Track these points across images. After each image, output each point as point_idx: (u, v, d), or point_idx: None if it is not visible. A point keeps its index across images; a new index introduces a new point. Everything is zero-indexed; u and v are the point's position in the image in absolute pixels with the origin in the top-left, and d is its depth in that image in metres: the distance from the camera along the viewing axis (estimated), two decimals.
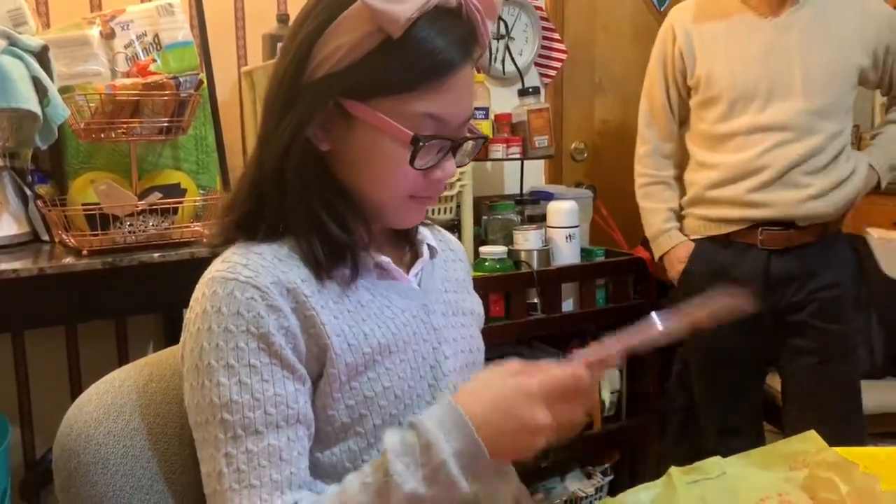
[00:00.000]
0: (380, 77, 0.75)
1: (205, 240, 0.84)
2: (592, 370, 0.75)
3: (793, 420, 1.84)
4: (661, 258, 1.95)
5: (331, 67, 0.76)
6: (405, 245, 0.92)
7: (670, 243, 1.92)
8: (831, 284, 1.76)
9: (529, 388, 0.71)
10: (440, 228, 1.00)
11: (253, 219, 0.81)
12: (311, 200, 0.79)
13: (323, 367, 0.77)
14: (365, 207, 0.82)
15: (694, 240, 1.89)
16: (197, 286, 0.79)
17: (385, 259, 0.83)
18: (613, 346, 0.77)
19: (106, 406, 0.85)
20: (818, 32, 1.73)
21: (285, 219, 0.80)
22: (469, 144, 0.84)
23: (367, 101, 0.76)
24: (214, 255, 0.82)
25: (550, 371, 0.73)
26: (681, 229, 1.92)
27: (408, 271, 0.88)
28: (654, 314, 0.80)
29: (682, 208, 1.94)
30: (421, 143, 0.77)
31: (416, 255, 0.91)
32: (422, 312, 0.85)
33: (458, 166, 0.84)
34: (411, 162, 0.77)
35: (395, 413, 0.80)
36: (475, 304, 0.98)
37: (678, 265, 1.89)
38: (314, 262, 0.78)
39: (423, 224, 0.95)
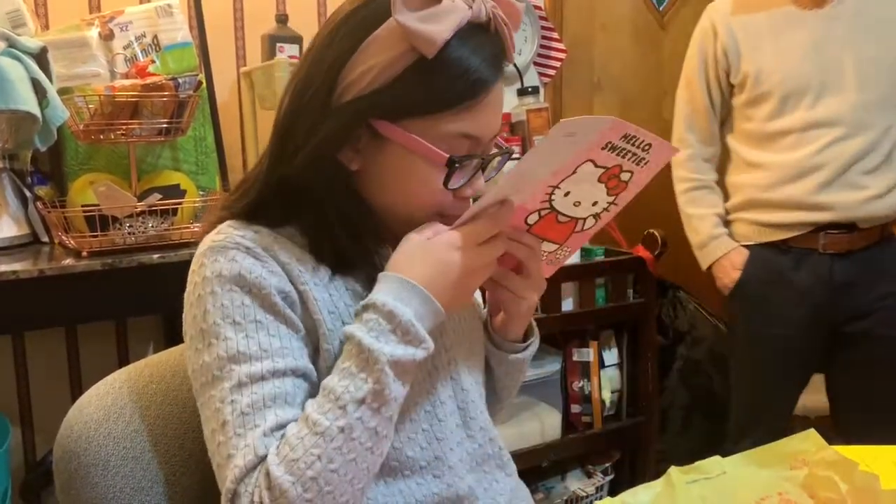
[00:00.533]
0: (414, 98, 0.75)
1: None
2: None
3: (854, 429, 1.77)
4: (710, 266, 1.86)
5: (362, 89, 0.76)
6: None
7: (722, 250, 1.82)
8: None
9: (456, 240, 0.76)
10: None
11: (258, 205, 0.82)
12: (331, 222, 0.80)
13: (317, 343, 0.77)
14: (391, 223, 0.82)
15: (746, 246, 1.80)
16: (193, 259, 0.80)
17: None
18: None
19: (106, 408, 0.85)
20: (866, 23, 1.68)
21: (294, 212, 0.81)
22: (496, 159, 0.85)
23: (399, 122, 0.76)
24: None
25: (474, 210, 0.78)
26: (729, 235, 1.84)
27: None
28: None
29: (726, 213, 1.86)
30: (457, 165, 0.77)
31: None
32: None
33: (486, 180, 0.84)
34: (446, 183, 0.78)
35: None
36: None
37: (733, 273, 1.80)
38: (317, 254, 0.80)
39: None
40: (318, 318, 0.77)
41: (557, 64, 2.52)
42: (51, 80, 1.49)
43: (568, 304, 2.04)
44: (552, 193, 0.79)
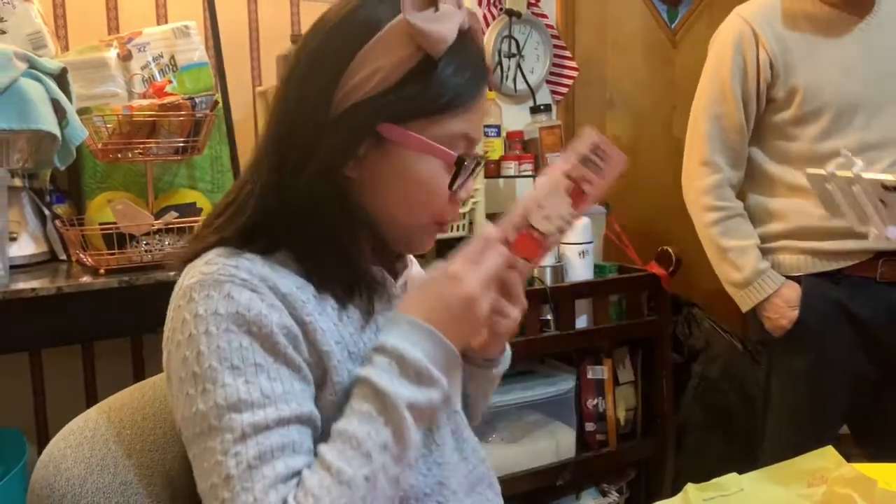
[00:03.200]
0: (423, 99, 0.74)
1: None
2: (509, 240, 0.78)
3: None
4: (755, 306, 1.65)
5: (367, 92, 0.74)
6: (391, 257, 0.91)
7: (772, 286, 1.63)
8: None
9: (452, 272, 0.74)
10: None
11: (251, 230, 0.77)
12: (337, 233, 0.77)
13: (325, 376, 0.74)
14: (388, 235, 0.81)
15: (792, 278, 1.63)
16: (176, 294, 0.74)
17: (384, 275, 0.83)
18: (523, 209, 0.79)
19: (86, 461, 0.80)
20: None
21: (293, 238, 0.77)
22: (479, 167, 0.85)
23: (405, 124, 0.75)
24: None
25: (463, 250, 0.76)
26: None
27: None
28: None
29: (762, 241, 1.68)
30: (465, 163, 0.77)
31: (393, 266, 0.91)
32: None
33: None
34: (451, 184, 0.78)
35: None
36: None
37: (790, 312, 1.61)
38: (318, 281, 0.76)
39: None
40: (326, 350, 0.73)
41: (570, 82, 2.54)
42: (70, 100, 1.52)
43: (582, 322, 2.04)
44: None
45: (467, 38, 0.78)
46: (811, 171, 1.03)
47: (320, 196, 0.75)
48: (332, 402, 0.73)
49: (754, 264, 1.64)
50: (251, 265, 0.73)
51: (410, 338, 0.71)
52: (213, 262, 0.73)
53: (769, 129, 1.66)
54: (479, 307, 0.74)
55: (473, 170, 0.81)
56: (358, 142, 0.75)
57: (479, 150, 0.86)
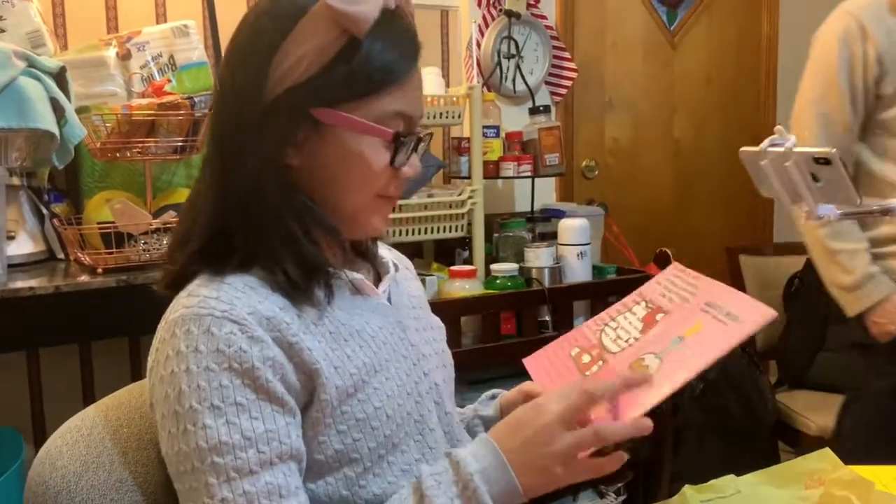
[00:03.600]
0: (353, 80, 0.75)
1: (160, 276, 0.81)
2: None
3: None
4: (862, 312, 1.60)
5: (296, 78, 0.74)
6: (368, 263, 0.91)
7: (883, 291, 1.57)
8: None
9: (549, 423, 0.72)
10: (389, 246, 0.99)
11: (219, 249, 0.77)
12: (286, 221, 0.76)
13: (312, 395, 0.74)
14: (335, 219, 0.81)
15: None
16: (161, 326, 0.74)
17: (358, 276, 0.82)
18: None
19: (82, 458, 0.80)
20: None
21: (256, 245, 0.76)
22: (424, 145, 0.85)
23: (340, 107, 0.76)
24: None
25: (567, 398, 0.74)
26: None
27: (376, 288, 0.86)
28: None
29: (872, 245, 1.62)
30: (402, 140, 0.78)
31: (377, 273, 0.91)
32: (398, 329, 0.84)
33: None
34: (392, 160, 0.78)
35: (388, 434, 0.78)
36: (435, 317, 0.98)
37: None
38: (289, 286, 0.75)
39: (379, 241, 0.95)
40: (315, 369, 0.73)
41: (569, 83, 2.54)
42: (69, 99, 1.52)
43: (580, 323, 2.03)
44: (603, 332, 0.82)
45: (396, 16, 0.78)
46: (745, 149, 1.01)
47: (263, 186, 0.75)
48: (318, 419, 0.74)
49: (864, 268, 1.59)
50: (233, 292, 0.73)
51: (487, 472, 0.72)
52: (195, 294, 0.73)
53: (878, 126, 1.60)
54: (570, 471, 0.73)
55: (416, 147, 0.81)
56: (293, 129, 0.75)
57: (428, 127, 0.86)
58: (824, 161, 0.90)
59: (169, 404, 0.70)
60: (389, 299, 0.87)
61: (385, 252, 0.94)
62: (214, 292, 0.72)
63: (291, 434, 0.72)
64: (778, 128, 0.97)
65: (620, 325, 0.81)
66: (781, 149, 0.94)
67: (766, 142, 0.98)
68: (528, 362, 0.87)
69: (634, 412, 0.72)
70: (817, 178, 0.92)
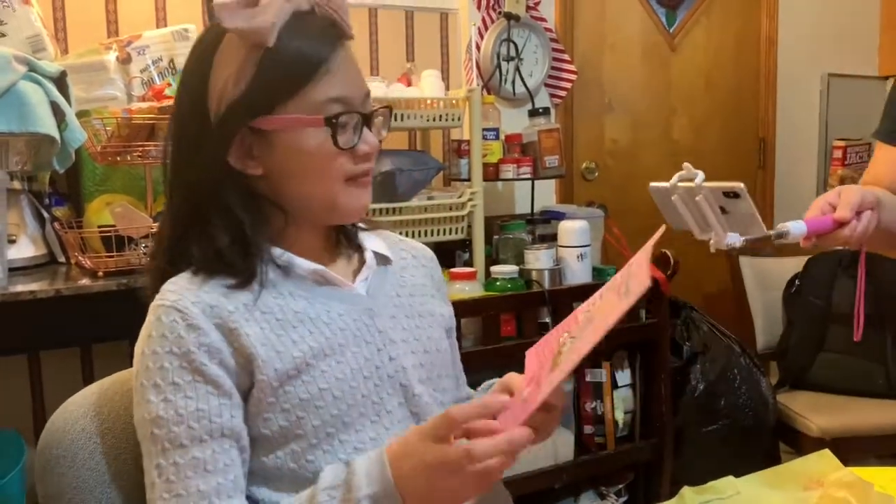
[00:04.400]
0: (277, 83, 0.80)
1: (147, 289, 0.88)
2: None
3: None
4: None
5: (230, 98, 0.81)
6: (352, 254, 0.95)
7: None
8: None
9: (446, 456, 0.71)
10: (404, 238, 1.04)
11: (183, 251, 0.85)
12: (240, 226, 0.83)
13: (253, 377, 0.80)
14: (317, 212, 0.86)
15: None
16: None
17: (320, 267, 0.87)
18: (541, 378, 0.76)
19: (87, 406, 0.93)
20: None
21: (208, 247, 0.83)
22: (380, 118, 0.89)
23: (275, 112, 0.81)
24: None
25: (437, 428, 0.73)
26: None
27: (354, 278, 0.91)
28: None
29: None
30: (334, 121, 0.81)
31: (363, 264, 0.94)
32: (364, 316, 0.88)
33: (379, 140, 0.88)
34: (335, 143, 0.82)
35: (336, 413, 0.82)
36: (439, 305, 0.99)
37: None
38: (237, 272, 0.82)
39: (380, 235, 0.98)
40: (251, 353, 0.79)
41: (568, 85, 2.54)
42: (70, 103, 1.52)
43: None
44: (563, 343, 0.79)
45: (307, 16, 0.82)
46: (654, 184, 1.08)
47: (220, 193, 0.83)
48: (260, 399, 0.80)
49: None
50: (185, 283, 0.82)
51: (371, 475, 0.74)
52: (162, 289, 0.83)
53: None
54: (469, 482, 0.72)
55: (360, 124, 0.84)
56: (227, 141, 0.82)
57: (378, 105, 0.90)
58: (733, 195, 0.97)
59: (134, 380, 0.81)
60: (368, 289, 0.91)
61: (381, 245, 0.96)
62: (171, 285, 0.82)
63: (224, 413, 0.79)
64: (686, 165, 1.03)
65: (597, 303, 0.81)
66: (692, 184, 1.00)
67: (675, 177, 1.04)
68: (528, 353, 0.87)
69: (521, 419, 0.72)
70: (726, 210, 0.99)
